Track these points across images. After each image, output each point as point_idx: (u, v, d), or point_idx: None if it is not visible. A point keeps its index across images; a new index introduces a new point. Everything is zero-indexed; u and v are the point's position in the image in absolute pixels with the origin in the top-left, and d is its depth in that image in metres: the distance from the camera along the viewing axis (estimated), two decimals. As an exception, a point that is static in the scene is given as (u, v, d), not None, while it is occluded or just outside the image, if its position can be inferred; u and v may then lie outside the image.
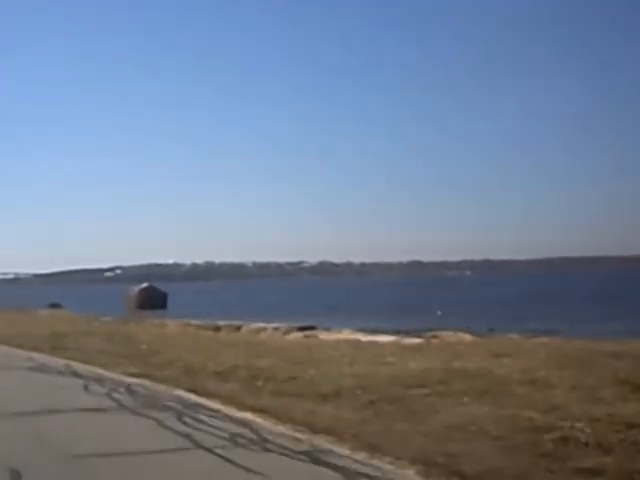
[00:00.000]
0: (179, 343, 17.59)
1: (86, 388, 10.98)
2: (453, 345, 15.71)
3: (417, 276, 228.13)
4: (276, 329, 22.40)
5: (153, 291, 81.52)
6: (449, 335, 18.79)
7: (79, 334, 19.54)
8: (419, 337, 17.92)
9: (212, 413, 8.91)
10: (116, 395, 10.27)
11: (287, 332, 21.41)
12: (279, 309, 59.42)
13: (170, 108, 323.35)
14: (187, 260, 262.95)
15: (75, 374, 12.70)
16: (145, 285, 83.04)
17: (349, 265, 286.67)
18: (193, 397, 10.30)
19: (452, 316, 50.75)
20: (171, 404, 9.49)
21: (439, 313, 55.80)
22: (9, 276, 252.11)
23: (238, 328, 23.60)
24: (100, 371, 13.10)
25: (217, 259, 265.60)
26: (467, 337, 18.00)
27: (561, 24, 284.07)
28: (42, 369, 13.46)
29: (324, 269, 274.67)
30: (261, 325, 24.67)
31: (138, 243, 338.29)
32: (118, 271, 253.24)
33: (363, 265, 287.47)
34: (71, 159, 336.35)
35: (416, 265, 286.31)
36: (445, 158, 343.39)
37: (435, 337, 18.42)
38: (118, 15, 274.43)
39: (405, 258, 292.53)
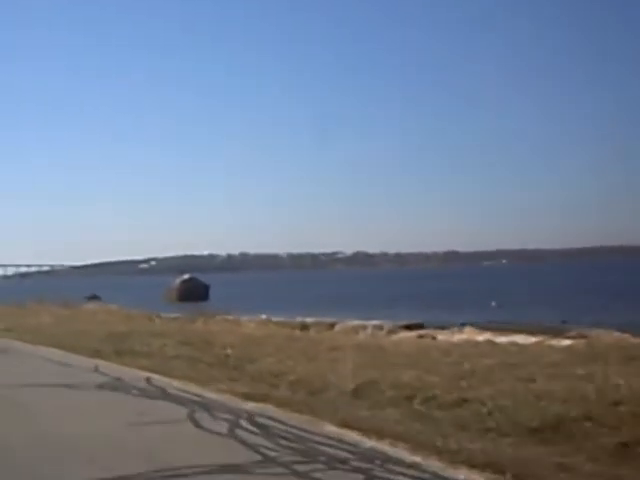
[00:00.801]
0: (270, 346, 14.18)
1: (195, 422, 7.64)
2: (628, 350, 12.24)
3: (453, 266, 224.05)
4: (378, 327, 18.94)
5: (195, 283, 78.70)
6: (602, 334, 15.27)
7: (143, 334, 16.30)
8: (564, 337, 14.41)
9: (420, 475, 5.60)
10: (243, 435, 6.96)
11: (392, 331, 17.99)
12: (340, 302, 56.02)
13: (202, 97, 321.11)
14: (222, 251, 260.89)
15: (165, 395, 9.41)
16: (186, 276, 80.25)
17: (384, 255, 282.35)
18: (356, 436, 6.96)
19: (508, 308, 47.57)
20: (336, 453, 6.21)
21: (493, 304, 53.03)
22: (45, 268, 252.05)
23: (331, 326, 20.10)
24: (195, 389, 9.78)
25: (251, 250, 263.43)
26: (629, 338, 14.42)
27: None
28: (118, 386, 10.20)
29: (359, 260, 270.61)
30: (356, 323, 21.18)
31: (172, 234, 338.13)
32: (153, 263, 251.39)
33: (398, 255, 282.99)
34: (108, 149, 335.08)
35: (451, 255, 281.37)
36: (478, 146, 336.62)
37: (583, 336, 14.93)
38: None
39: (440, 248, 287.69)
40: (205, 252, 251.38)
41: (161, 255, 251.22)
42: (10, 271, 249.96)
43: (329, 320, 21.37)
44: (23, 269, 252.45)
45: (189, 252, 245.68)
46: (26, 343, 16.08)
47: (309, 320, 20.91)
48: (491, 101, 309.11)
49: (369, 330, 18.81)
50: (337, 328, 19.81)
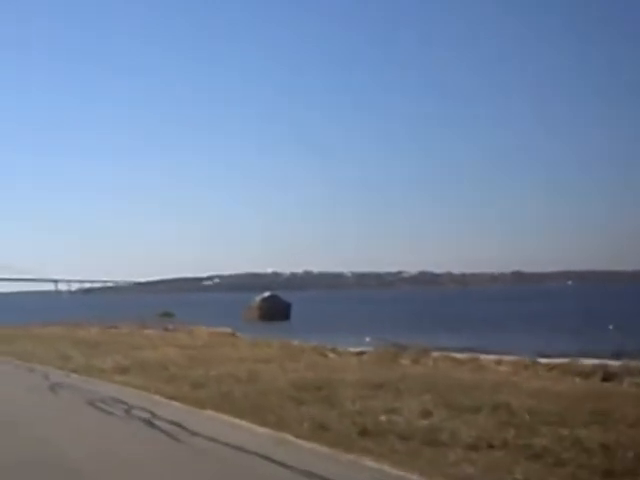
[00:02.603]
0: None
1: None
2: None
3: (517, 287, 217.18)
4: (522, 365, 13.42)
5: (276, 301, 74.71)
6: None
7: (351, 386, 11.60)
8: None
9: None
10: None
11: (533, 369, 12.65)
12: (427, 325, 51.13)
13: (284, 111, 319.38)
14: (286, 269, 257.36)
15: None
16: (267, 294, 76.20)
17: (449, 275, 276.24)
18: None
19: (629, 331, 42.15)
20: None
21: (610, 327, 47.63)
22: (108, 284, 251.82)
23: (497, 362, 14.47)
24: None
25: (315, 269, 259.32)
26: None
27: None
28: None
29: (424, 279, 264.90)
30: (491, 357, 15.68)
31: (236, 252, 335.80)
32: (217, 280, 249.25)
33: (463, 275, 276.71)
34: (171, 164, 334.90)
35: (516, 276, 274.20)
36: (552, 164, 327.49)
37: None
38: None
39: (505, 268, 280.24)
40: (269, 270, 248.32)
41: (225, 272, 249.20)
42: (74, 287, 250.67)
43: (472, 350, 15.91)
44: (87, 285, 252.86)
45: (252, 270, 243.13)
46: (196, 411, 10.09)
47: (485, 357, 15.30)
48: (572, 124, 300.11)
49: (508, 366, 13.45)
50: (488, 361, 14.36)
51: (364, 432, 8.78)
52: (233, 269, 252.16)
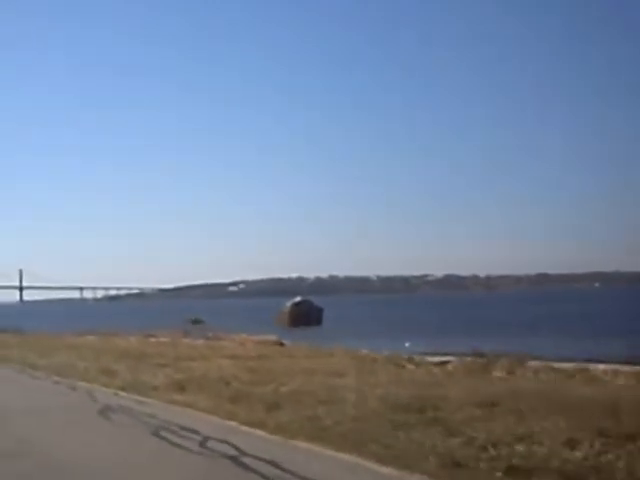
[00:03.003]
0: None
1: None
2: None
3: (544, 289, 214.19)
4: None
5: (308, 306, 72.79)
6: None
7: (454, 405, 9.69)
8: None
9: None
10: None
11: None
12: (465, 329, 48.95)
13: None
14: (310, 274, 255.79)
15: None
16: (298, 299, 74.38)
17: (474, 278, 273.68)
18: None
19: None
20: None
21: None
22: (134, 290, 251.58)
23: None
24: None
25: (341, 273, 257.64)
26: None
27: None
28: None
29: (450, 282, 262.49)
30: (602, 367, 13.72)
31: (261, 257, 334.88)
32: (242, 285, 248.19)
33: (489, 278, 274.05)
34: (201, 169, 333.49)
35: (542, 277, 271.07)
36: (576, 169, 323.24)
37: None
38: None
39: (530, 270, 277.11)
40: (293, 275, 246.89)
41: (249, 278, 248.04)
42: (99, 294, 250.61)
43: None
44: (112, 292, 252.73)
45: (277, 275, 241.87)
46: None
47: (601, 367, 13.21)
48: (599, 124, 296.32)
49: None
50: (600, 372, 12.16)
51: (510, 469, 6.89)
52: (258, 274, 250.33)
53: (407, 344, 37.07)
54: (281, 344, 24.18)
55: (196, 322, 71.92)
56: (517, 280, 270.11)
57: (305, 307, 71.79)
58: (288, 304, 72.61)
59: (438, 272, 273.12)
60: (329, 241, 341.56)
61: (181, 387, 13.08)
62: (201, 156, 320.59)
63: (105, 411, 10.85)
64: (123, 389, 13.51)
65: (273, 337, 26.99)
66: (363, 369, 14.27)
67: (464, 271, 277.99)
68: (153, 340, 27.89)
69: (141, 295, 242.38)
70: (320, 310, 72.74)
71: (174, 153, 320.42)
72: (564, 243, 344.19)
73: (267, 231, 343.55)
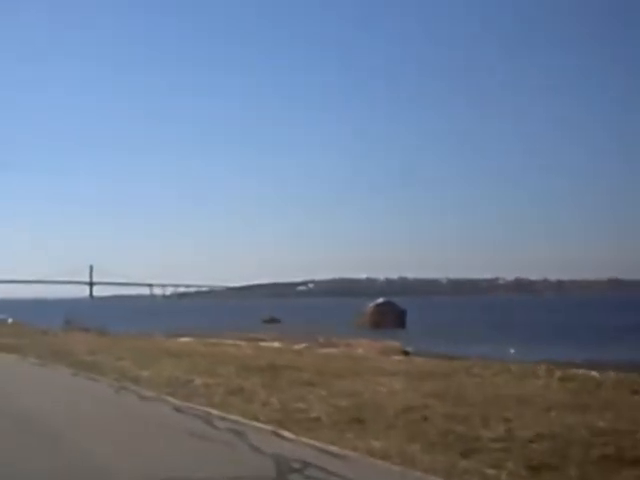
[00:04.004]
0: None
1: None
2: None
3: (616, 295, 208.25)
4: None
5: (391, 307, 71.27)
6: None
7: None
8: None
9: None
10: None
11: None
12: (572, 337, 46.88)
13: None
14: (380, 275, 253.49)
15: None
16: (381, 300, 73.00)
17: (545, 282, 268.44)
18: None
19: None
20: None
21: None
22: (204, 288, 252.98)
23: None
24: None
25: (410, 275, 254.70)
26: None
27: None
28: None
29: (520, 286, 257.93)
30: None
31: (330, 257, 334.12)
32: (311, 285, 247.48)
33: (560, 282, 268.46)
34: (264, 162, 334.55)
35: (614, 283, 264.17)
36: None
37: None
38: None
39: (602, 275, 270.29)
40: (363, 276, 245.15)
41: (319, 277, 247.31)
42: (169, 291, 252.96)
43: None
44: (182, 289, 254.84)
45: (347, 275, 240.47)
46: None
47: None
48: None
49: None
50: None
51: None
52: (327, 274, 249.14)
53: (512, 350, 35.37)
54: (405, 353, 22.63)
55: (272, 321, 71.40)
56: (588, 285, 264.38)
57: (388, 308, 70.39)
58: (370, 305, 71.28)
59: (508, 275, 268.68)
60: (400, 242, 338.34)
61: (358, 421, 9.05)
62: (265, 154, 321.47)
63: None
64: (280, 424, 8.97)
65: (396, 344, 25.34)
66: (538, 390, 12.11)
67: (535, 275, 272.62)
68: (265, 346, 24.40)
69: (210, 293, 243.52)
70: (403, 312, 71.22)
71: (237, 147, 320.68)
72: (636, 247, 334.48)
73: (337, 230, 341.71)
